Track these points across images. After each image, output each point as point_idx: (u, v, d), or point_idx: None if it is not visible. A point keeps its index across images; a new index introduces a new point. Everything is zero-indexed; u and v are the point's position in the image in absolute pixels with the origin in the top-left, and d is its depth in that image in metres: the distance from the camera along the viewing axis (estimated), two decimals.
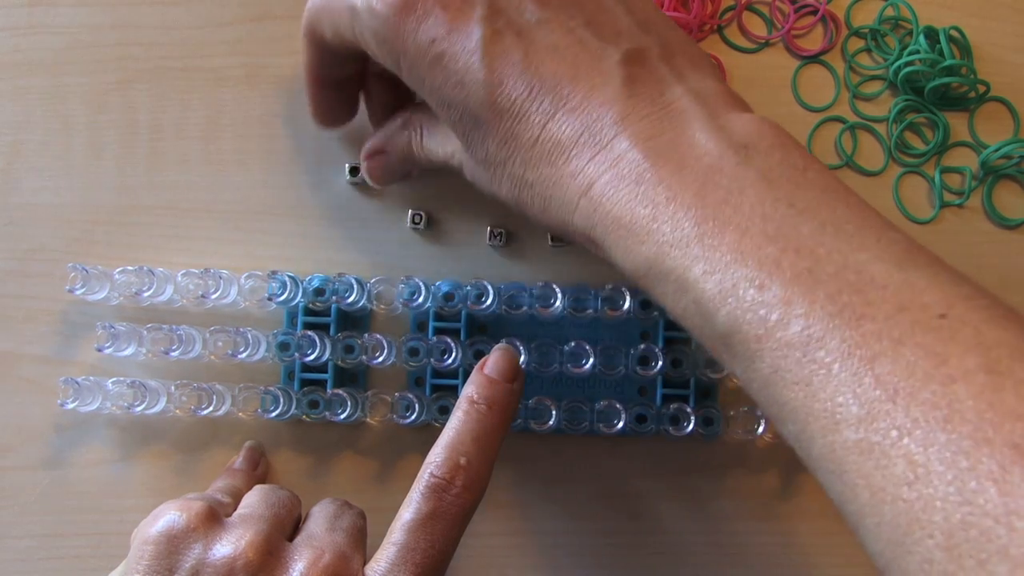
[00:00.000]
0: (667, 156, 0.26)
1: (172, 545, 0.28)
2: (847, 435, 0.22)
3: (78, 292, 0.37)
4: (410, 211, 0.40)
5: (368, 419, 0.39)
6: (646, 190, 0.26)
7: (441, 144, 0.34)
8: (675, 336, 0.39)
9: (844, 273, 0.23)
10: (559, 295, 0.37)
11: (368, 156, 0.38)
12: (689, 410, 0.38)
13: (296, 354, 0.38)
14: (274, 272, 0.38)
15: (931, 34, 0.42)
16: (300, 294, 0.38)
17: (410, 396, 0.38)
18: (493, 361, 0.33)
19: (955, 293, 0.23)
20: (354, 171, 0.40)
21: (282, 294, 0.38)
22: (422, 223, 0.40)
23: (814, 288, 0.23)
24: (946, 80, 0.41)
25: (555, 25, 0.28)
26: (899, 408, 0.21)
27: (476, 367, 0.33)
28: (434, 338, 0.38)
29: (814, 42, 0.43)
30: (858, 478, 0.22)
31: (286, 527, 0.31)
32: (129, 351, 0.37)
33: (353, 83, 0.37)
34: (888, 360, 0.22)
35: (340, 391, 0.38)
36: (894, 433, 0.21)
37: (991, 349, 0.21)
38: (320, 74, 0.35)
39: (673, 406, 0.38)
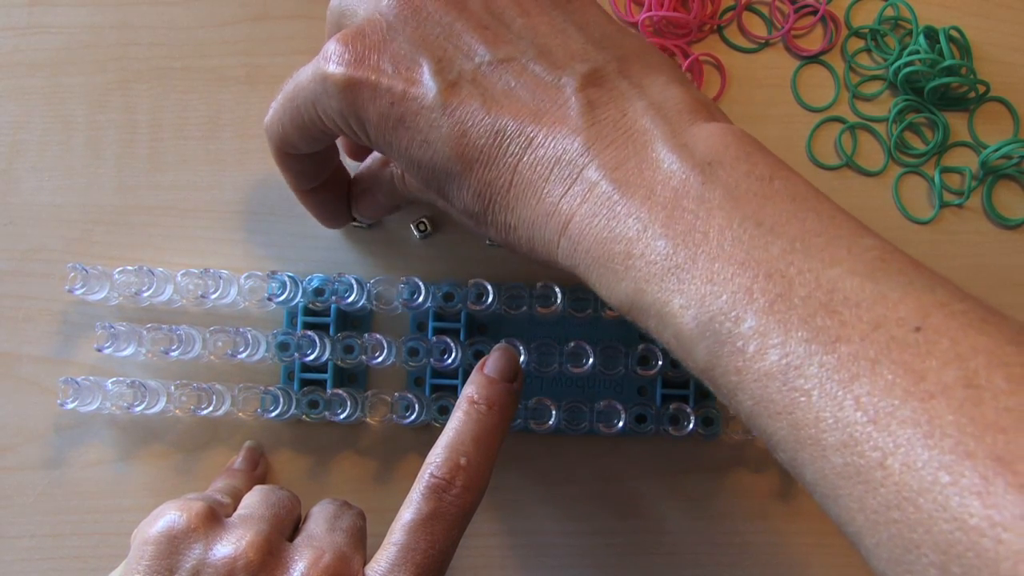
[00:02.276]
0: (635, 184, 0.26)
1: (172, 545, 0.28)
2: (834, 460, 0.22)
3: (78, 292, 0.37)
4: (417, 216, 0.40)
5: (368, 419, 0.39)
6: (618, 225, 0.26)
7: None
8: None
9: (816, 294, 0.23)
10: (559, 295, 0.37)
11: (356, 195, 0.38)
12: (689, 410, 0.38)
13: (296, 354, 0.38)
14: (274, 272, 0.38)
15: (931, 34, 0.42)
16: (300, 294, 0.38)
17: (410, 396, 0.38)
18: (493, 361, 0.33)
19: (930, 301, 0.22)
20: (354, 218, 0.40)
21: (282, 294, 0.38)
22: (426, 232, 0.40)
23: (788, 314, 0.23)
24: (946, 80, 0.41)
25: (508, 64, 0.28)
26: (880, 429, 0.21)
27: (476, 367, 0.33)
28: (434, 338, 0.38)
29: (814, 42, 0.43)
30: (851, 502, 0.22)
31: (286, 527, 0.31)
32: (129, 351, 0.37)
33: (341, 178, 0.38)
34: (866, 382, 0.21)
35: (340, 391, 0.38)
36: (877, 455, 0.21)
37: (968, 360, 0.21)
38: (306, 187, 0.36)
39: (673, 406, 0.38)
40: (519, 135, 0.27)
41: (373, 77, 0.28)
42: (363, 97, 0.29)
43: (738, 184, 0.25)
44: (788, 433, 0.23)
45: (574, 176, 0.27)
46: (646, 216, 0.25)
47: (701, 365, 0.25)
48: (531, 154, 0.27)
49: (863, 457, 0.21)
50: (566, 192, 0.27)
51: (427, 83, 0.28)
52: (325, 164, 0.36)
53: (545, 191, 0.27)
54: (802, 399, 0.22)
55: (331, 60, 0.29)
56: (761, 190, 0.25)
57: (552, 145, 0.27)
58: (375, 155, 0.38)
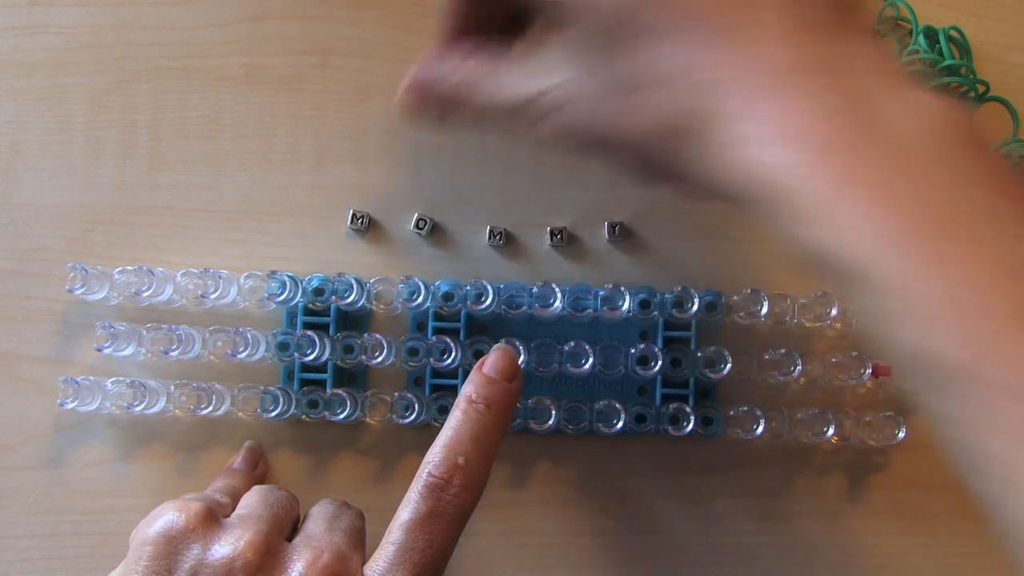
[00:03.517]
0: (847, 127, 0.22)
1: (171, 546, 0.28)
2: None
3: (78, 292, 0.37)
4: (416, 215, 0.40)
5: (368, 419, 0.39)
6: (824, 166, 0.22)
7: (537, 74, 0.27)
8: (674, 336, 0.39)
9: None
10: (559, 295, 0.37)
11: (414, 83, 0.30)
12: (688, 410, 0.38)
13: (296, 354, 0.38)
14: (274, 272, 0.38)
15: (931, 34, 0.42)
16: (300, 294, 0.38)
17: (409, 396, 0.38)
18: (492, 360, 0.33)
19: None
20: (354, 218, 0.40)
21: (281, 294, 0.38)
22: (425, 229, 0.40)
23: None
24: (946, 80, 0.41)
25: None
26: None
27: (475, 366, 0.33)
28: (433, 338, 0.38)
29: None
30: None
31: (285, 527, 0.31)
32: (129, 351, 0.38)
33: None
34: None
35: (340, 391, 0.38)
36: None
37: None
38: None
39: (672, 406, 0.38)
40: (708, 20, 0.23)
41: None
42: None
43: (976, 166, 0.22)
44: (1020, 459, 0.20)
45: (765, 94, 0.23)
46: (865, 167, 0.22)
47: (910, 351, 0.22)
48: (717, 48, 0.23)
49: None
50: (754, 106, 0.23)
51: None
52: None
53: (728, 94, 0.23)
54: None
55: None
56: (998, 185, 0.22)
57: (746, 44, 0.23)
58: (461, 44, 0.30)
